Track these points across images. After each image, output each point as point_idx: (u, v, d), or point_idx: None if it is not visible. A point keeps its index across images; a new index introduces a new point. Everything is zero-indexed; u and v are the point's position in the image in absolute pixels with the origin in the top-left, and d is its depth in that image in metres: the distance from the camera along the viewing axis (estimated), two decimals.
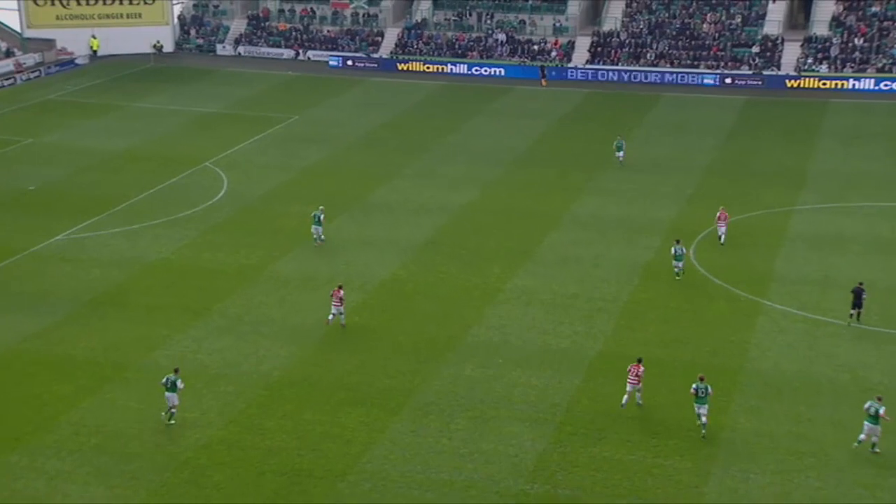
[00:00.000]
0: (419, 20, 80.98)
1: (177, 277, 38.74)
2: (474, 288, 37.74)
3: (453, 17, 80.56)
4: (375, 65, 77.29)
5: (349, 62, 78.28)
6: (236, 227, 44.16)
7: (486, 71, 74.79)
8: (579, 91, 70.24)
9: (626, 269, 39.04)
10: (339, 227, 44.12)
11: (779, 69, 70.22)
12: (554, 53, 76.07)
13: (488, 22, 79.35)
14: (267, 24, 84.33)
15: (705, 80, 69.68)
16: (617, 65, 73.74)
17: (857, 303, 34.04)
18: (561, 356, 32.52)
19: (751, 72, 69.99)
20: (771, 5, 73.77)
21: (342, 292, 34.25)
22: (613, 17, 76.59)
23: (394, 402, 30.02)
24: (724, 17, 74.37)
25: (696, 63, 72.01)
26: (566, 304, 36.16)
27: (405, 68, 76.57)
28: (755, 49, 71.64)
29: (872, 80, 66.86)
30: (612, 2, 77.36)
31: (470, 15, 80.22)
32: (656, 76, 71.18)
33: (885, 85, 66.67)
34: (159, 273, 39.17)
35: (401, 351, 33.06)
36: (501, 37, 77.85)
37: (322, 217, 41.44)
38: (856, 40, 70.28)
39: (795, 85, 68.05)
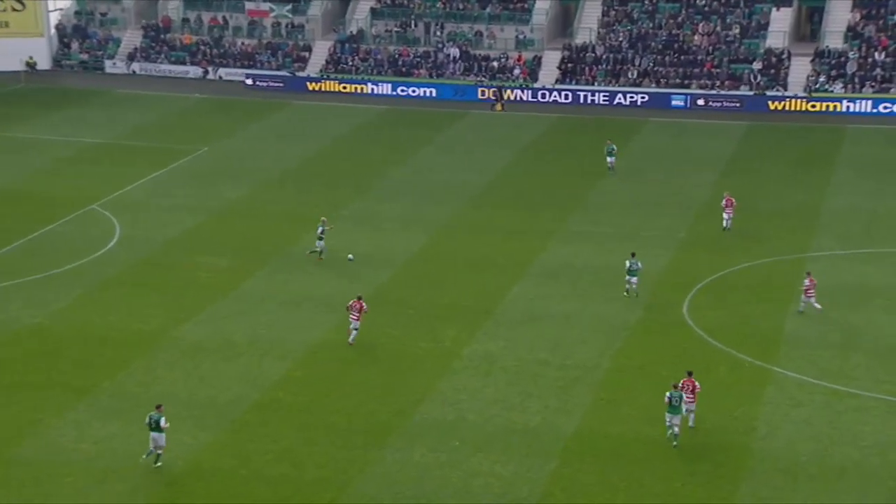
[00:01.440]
0: (354, 32, 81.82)
1: (53, 347, 38.16)
2: (424, 354, 37.70)
3: (396, 29, 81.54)
4: (301, 86, 77.75)
5: (269, 82, 78.73)
6: (132, 283, 43.77)
7: (413, 91, 75.60)
8: (547, 116, 71.22)
9: (606, 330, 39.32)
10: (259, 282, 43.97)
11: (785, 89, 71.96)
12: (517, 71, 77.20)
13: (438, 34, 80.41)
14: (168, 35, 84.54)
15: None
16: (593, 84, 75.05)
17: None
18: (530, 437, 32.51)
19: (752, 92, 71.62)
20: (774, 13, 75.76)
21: (364, 304, 38.03)
22: (587, 28, 78.09)
23: (325, 497, 29.72)
24: (718, 28, 76.19)
25: (687, 82, 73.56)
26: (535, 372, 36.26)
27: (316, 88, 77.01)
28: (757, 65, 73.39)
29: (870, 102, 68.37)
30: (585, 10, 78.89)
31: (416, 25, 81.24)
32: (640, 98, 72.58)
33: (885, 107, 68.19)
34: (31, 342, 38.56)
35: (334, 433, 32.80)
36: (454, 51, 78.87)
37: (322, 231, 45.62)
38: (876, 55, 72.35)
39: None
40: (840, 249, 46.92)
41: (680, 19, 76.92)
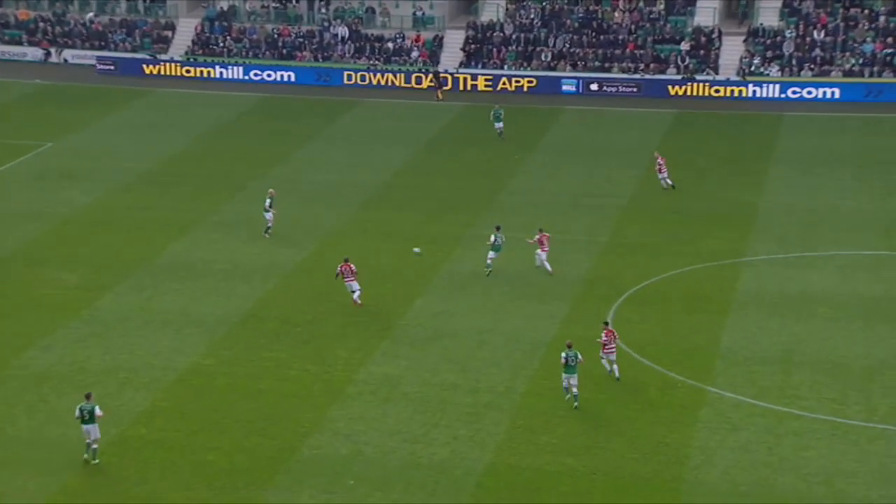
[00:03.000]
0: (225, 8, 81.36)
1: None
2: (313, 379, 37.72)
3: (274, 5, 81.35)
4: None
5: (127, 66, 77.81)
6: None
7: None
8: (451, 105, 71.71)
9: (522, 348, 39.78)
10: (118, 299, 43.51)
11: (716, 72, 73.69)
12: (415, 53, 77.64)
13: (323, 11, 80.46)
14: None
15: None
16: (502, 68, 75.85)
17: None
18: (437, 472, 32.70)
19: (680, 76, 73.21)
20: None
21: (353, 266, 42.56)
22: (495, 4, 78.92)
23: None
24: (641, 4, 77.68)
25: (608, 65, 74.83)
26: (441, 398, 36.52)
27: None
28: (685, 46, 75.03)
29: (824, 89, 70.52)
30: None
31: (298, 1, 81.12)
32: (554, 84, 73.60)
33: (825, 92, 70.25)
34: None
35: (210, 474, 32.59)
36: (342, 31, 79.00)
37: (270, 203, 49.37)
38: (815, 34, 74.56)
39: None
40: (779, 253, 48.24)
41: None
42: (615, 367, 37.41)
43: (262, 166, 59.51)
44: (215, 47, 79.15)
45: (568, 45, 75.96)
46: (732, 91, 71.34)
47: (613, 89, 72.58)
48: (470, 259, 47.55)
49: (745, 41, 74.91)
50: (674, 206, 53.75)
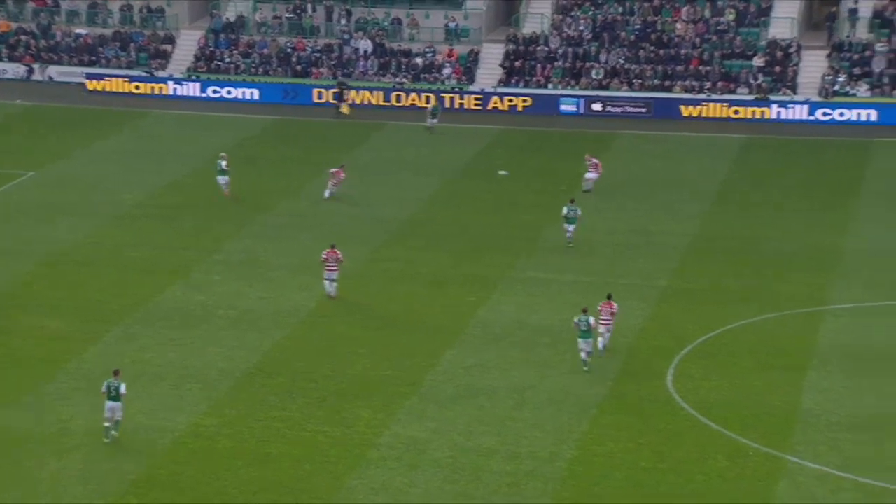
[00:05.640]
0: (232, 19, 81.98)
1: None
2: (330, 443, 37.65)
3: (288, 15, 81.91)
4: (163, 91, 77.86)
5: (121, 83, 78.46)
6: None
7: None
8: (488, 129, 71.84)
9: (568, 409, 39.57)
10: (106, 350, 43.60)
11: (794, 92, 73.58)
12: (448, 70, 77.90)
13: (344, 22, 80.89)
14: None
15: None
16: (546, 87, 75.99)
17: None
18: None
19: (752, 96, 73.15)
20: None
21: (339, 252, 46.44)
22: (538, 15, 79.18)
23: None
24: (707, 13, 77.77)
25: (669, 84, 74.87)
26: (476, 465, 36.35)
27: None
28: (758, 61, 74.96)
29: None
30: None
31: (314, 11, 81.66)
32: (608, 104, 73.69)
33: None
34: None
35: None
36: (364, 44, 79.39)
37: (225, 165, 56.83)
38: None
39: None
40: (866, 300, 47.93)
41: (657, 2, 78.39)
42: (601, 340, 41.92)
43: (271, 198, 59.66)
44: (221, 63, 79.70)
45: (623, 61, 76.03)
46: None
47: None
48: (508, 306, 47.47)
49: (828, 56, 74.78)
50: (745, 245, 53.53)
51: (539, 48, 77.41)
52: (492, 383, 41.33)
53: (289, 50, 79.79)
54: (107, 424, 37.06)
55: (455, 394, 40.63)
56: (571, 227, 52.42)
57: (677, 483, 35.35)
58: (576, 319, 41.39)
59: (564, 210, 52.48)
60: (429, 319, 46.29)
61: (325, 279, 47.35)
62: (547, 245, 53.77)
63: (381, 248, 53.80)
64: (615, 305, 42.81)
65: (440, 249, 53.54)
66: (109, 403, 36.95)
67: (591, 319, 41.26)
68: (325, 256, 47.16)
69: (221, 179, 58.87)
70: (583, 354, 41.42)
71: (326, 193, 59.20)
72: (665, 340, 44.26)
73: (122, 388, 36.92)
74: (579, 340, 41.26)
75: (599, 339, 42.32)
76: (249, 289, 49.10)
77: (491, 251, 53.12)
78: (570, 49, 77.14)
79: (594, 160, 59.88)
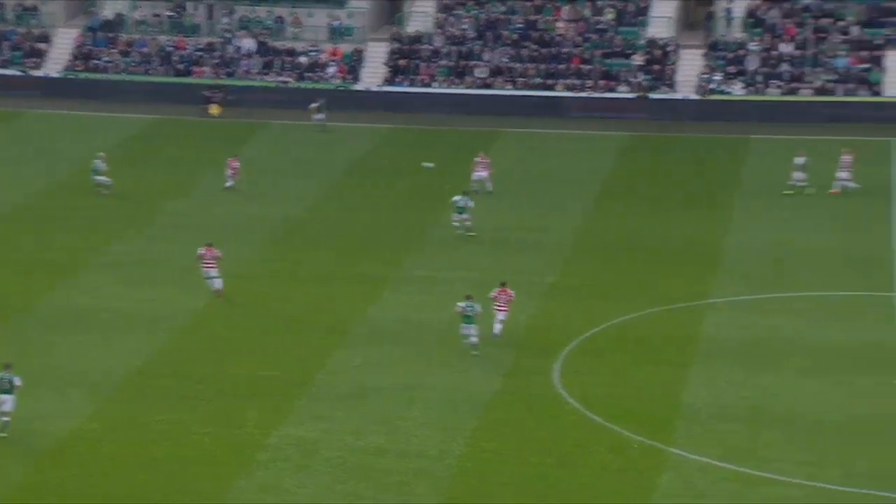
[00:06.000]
0: (111, 16, 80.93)
1: None
2: (217, 444, 37.35)
3: (168, 13, 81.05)
4: (39, 90, 76.52)
5: None
6: None
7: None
8: (374, 128, 71.84)
9: (457, 406, 39.71)
10: None
11: (672, 89, 74.63)
12: (332, 69, 77.73)
13: (226, 21, 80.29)
14: None
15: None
16: (430, 86, 76.16)
17: None
18: None
19: (633, 94, 74.02)
20: None
21: (216, 250, 46.25)
22: (422, 13, 79.32)
23: None
24: (587, 13, 78.51)
25: (551, 82, 75.45)
26: (366, 464, 36.27)
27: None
28: (637, 60, 75.87)
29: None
30: None
31: (195, 9, 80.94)
32: (492, 102, 74.07)
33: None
34: None
35: None
36: (248, 43, 78.86)
37: (102, 165, 58.03)
38: (782, 47, 75.78)
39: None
40: (746, 294, 48.76)
41: (538, 2, 78.94)
42: (498, 325, 42.97)
43: (154, 199, 59.10)
44: (99, 62, 78.70)
45: (506, 60, 76.49)
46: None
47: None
48: (397, 304, 47.52)
49: (704, 55, 75.93)
50: (627, 241, 54.18)
51: (423, 47, 77.55)
52: (381, 382, 41.34)
53: (169, 49, 78.99)
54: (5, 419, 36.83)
55: (344, 393, 40.56)
56: (462, 216, 53.40)
57: (564, 477, 35.63)
58: (461, 305, 42.20)
59: (456, 198, 53.53)
60: (317, 319, 46.18)
61: (207, 278, 47.25)
62: (434, 243, 53.93)
63: (268, 247, 53.59)
64: (511, 292, 43.64)
65: (327, 248, 53.46)
66: (1, 396, 36.95)
67: (477, 306, 42.11)
68: (202, 253, 47.13)
69: (100, 179, 58.49)
70: (472, 339, 42.30)
71: (227, 184, 59.33)
72: (552, 336, 44.61)
73: (17, 381, 37.01)
74: (463, 326, 42.24)
75: (497, 325, 43.13)
76: (135, 290, 48.59)
77: (378, 250, 53.16)
78: (454, 48, 77.40)
79: (485, 159, 59.90)
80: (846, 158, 59.70)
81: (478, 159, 59.96)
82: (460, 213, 53.37)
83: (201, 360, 42.90)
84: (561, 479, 35.53)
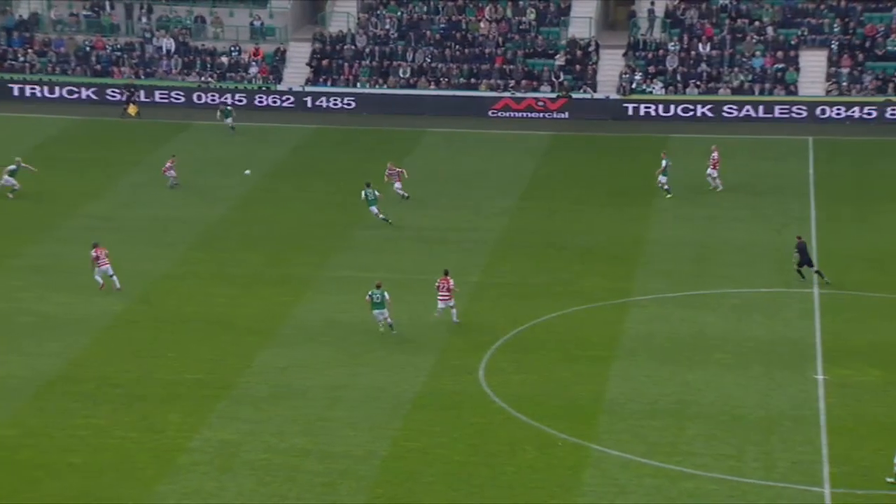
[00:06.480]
0: (25, 16, 79.98)
1: None
2: (138, 449, 36.93)
3: (85, 12, 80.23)
4: None
5: None
6: None
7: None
8: (298, 128, 71.48)
9: (382, 407, 39.57)
10: None
11: (594, 90, 74.95)
12: (254, 69, 77.27)
13: (145, 21, 79.55)
14: None
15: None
16: (354, 86, 75.95)
17: (806, 259, 48.02)
18: None
19: (554, 94, 74.23)
20: None
21: (451, 280, 45.18)
22: (344, 13, 79.10)
23: None
24: (509, 13, 78.64)
25: (475, 82, 75.49)
26: (290, 466, 36.09)
27: None
28: (559, 60, 76.11)
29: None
30: None
31: (113, 8, 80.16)
32: (414, 102, 73.97)
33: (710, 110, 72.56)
34: None
35: None
36: (167, 43, 78.20)
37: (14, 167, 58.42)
38: (700, 47, 76.40)
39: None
40: (668, 292, 49.03)
41: (461, 2, 78.95)
42: (453, 311, 44.64)
43: (73, 201, 58.54)
44: (14, 62, 77.68)
45: (429, 60, 76.40)
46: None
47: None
48: (321, 304, 47.29)
49: (624, 55, 76.33)
50: (550, 240, 54.30)
51: (346, 47, 77.29)
52: (305, 383, 41.10)
53: (87, 48, 78.12)
54: None
55: (268, 395, 40.28)
56: (374, 210, 54.75)
57: (489, 475, 35.63)
58: (369, 293, 43.60)
59: (363, 194, 54.79)
60: (241, 321, 45.84)
61: (109, 276, 47.53)
62: (357, 244, 53.74)
63: (190, 249, 53.13)
64: (452, 281, 44.82)
65: (252, 249, 53.13)
66: None
67: (386, 294, 43.63)
68: (96, 255, 47.49)
69: (8, 181, 58.18)
70: (387, 321, 44.02)
71: (169, 183, 59.73)
72: (477, 335, 44.59)
73: None
74: (374, 312, 43.74)
75: (453, 312, 44.86)
76: (52, 293, 48.00)
77: (302, 251, 52.88)
78: (377, 48, 77.21)
79: (396, 169, 58.89)
80: (714, 156, 60.61)
81: (388, 171, 58.98)
82: (372, 204, 54.64)
83: (121, 363, 42.40)
84: (486, 478, 35.52)
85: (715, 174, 60.34)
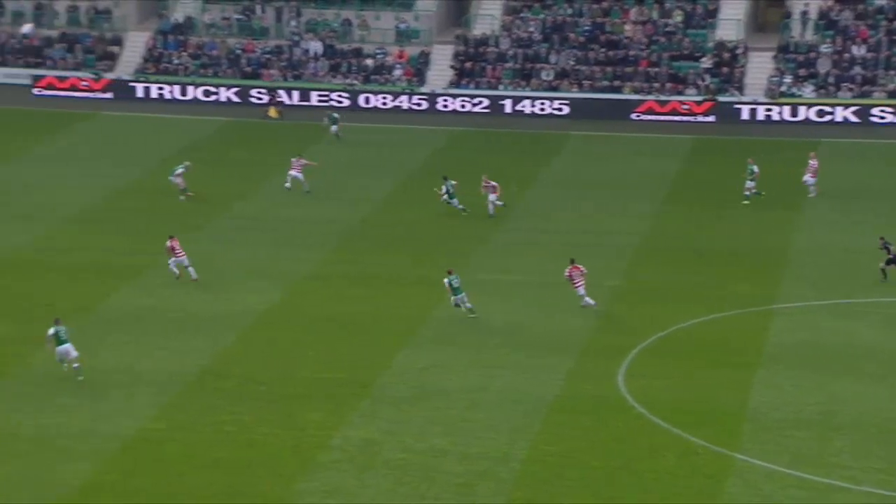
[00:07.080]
0: (180, 19, 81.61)
1: None
2: (280, 446, 37.44)
3: (237, 16, 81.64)
4: (111, 93, 77.50)
5: (65, 86, 77.95)
6: None
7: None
8: (440, 130, 71.86)
9: (521, 409, 39.57)
10: (52, 355, 43.27)
11: (741, 92, 74.07)
12: (398, 71, 77.88)
13: (294, 24, 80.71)
14: None
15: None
16: (497, 88, 76.13)
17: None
18: None
19: (700, 97, 73.54)
20: None
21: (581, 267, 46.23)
22: (488, 16, 79.29)
23: None
24: (655, 15, 78.12)
25: (618, 84, 75.15)
26: (428, 466, 36.28)
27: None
28: (706, 63, 75.38)
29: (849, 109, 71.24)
30: None
31: (264, 12, 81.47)
32: (558, 105, 73.92)
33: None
34: None
35: None
36: (315, 46, 79.24)
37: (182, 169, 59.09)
38: (854, 49, 74.99)
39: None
40: (815, 299, 48.28)
41: (606, 4, 78.67)
42: (587, 299, 45.72)
43: (222, 201, 59.49)
44: (169, 65, 79.36)
45: (573, 62, 76.27)
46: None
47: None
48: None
49: (774, 57, 75.30)
50: (694, 244, 53.82)
51: (489, 49, 77.50)
52: (444, 384, 41.28)
53: (238, 51, 79.52)
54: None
55: (407, 395, 40.54)
56: (452, 202, 56.94)
57: (629, 481, 35.42)
58: (447, 279, 45.38)
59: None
60: (381, 321, 46.18)
61: (186, 266, 49.09)
62: (498, 246, 53.86)
63: (335, 250, 53.73)
64: (582, 267, 46.26)
65: (395, 251, 53.56)
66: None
67: (458, 278, 45.37)
68: (171, 245, 49.16)
69: (176, 182, 59.24)
70: (465, 305, 45.47)
71: (305, 186, 60.07)
72: (616, 339, 44.39)
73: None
74: (453, 297, 45.37)
75: (588, 299, 45.91)
76: (200, 292, 48.83)
77: (442, 253, 53.08)
78: (520, 50, 77.28)
79: (492, 183, 57.41)
80: (812, 163, 59.60)
81: (484, 183, 57.54)
82: (452, 197, 56.64)
83: (264, 361, 43.03)
84: (626, 484, 35.32)
85: (812, 181, 59.08)
